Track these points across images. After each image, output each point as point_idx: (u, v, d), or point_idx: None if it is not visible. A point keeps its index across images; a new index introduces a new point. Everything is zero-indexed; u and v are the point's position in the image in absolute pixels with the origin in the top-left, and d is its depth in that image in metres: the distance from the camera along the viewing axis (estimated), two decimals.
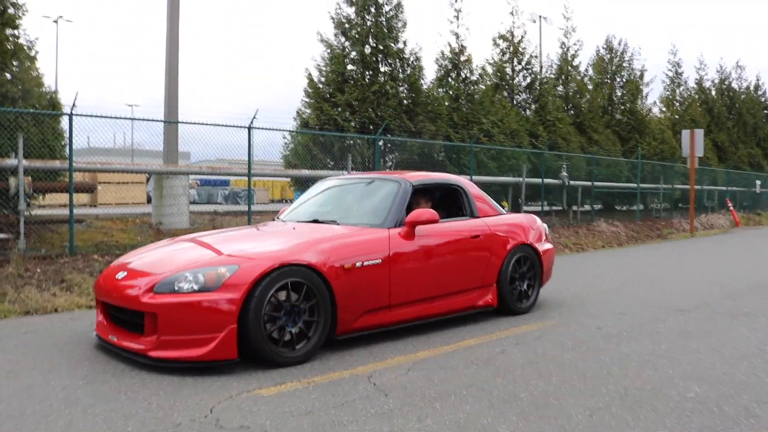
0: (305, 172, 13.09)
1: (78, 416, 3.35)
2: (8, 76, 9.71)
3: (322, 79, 15.97)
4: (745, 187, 29.84)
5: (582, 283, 8.57)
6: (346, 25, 16.07)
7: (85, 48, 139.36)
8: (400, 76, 16.38)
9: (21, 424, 3.24)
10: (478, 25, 53.82)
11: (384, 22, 16.18)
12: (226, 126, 10.89)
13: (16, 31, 9.88)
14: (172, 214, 12.11)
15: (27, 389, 3.80)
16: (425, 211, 5.31)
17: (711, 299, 7.18)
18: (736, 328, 5.64)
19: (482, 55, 41.86)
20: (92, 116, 9.39)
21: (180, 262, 4.52)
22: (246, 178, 11.68)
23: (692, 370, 4.30)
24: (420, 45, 22.83)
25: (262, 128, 11.58)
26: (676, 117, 29.24)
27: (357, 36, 15.94)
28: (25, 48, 9.97)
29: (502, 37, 20.81)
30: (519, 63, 20.67)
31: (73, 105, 9.01)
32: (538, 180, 17.01)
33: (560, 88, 22.45)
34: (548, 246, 6.84)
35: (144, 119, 10.41)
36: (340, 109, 15.18)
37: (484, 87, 19.12)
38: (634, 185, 21.32)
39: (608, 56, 25.43)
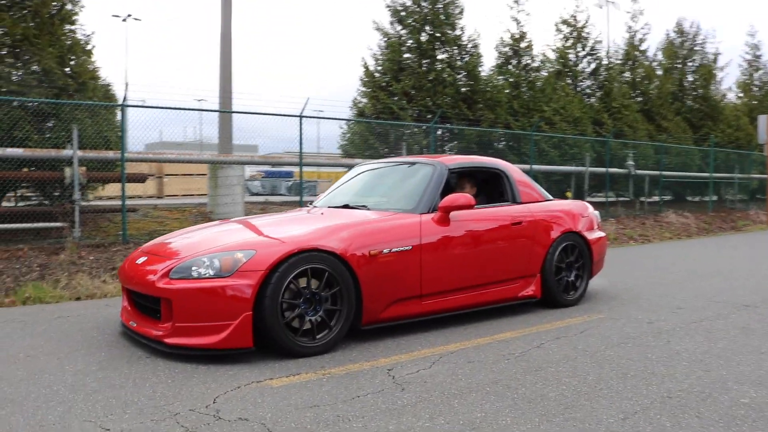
0: (358, 161, 12.92)
1: (78, 403, 3.25)
2: (67, 70, 9.98)
3: (379, 68, 15.75)
4: None
5: (640, 275, 8.01)
6: (402, 13, 15.79)
7: (159, 45, 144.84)
8: (458, 63, 15.96)
9: (20, 409, 3.17)
10: (540, 10, 52.04)
11: (441, 9, 15.80)
12: (276, 115, 10.88)
13: (73, 27, 10.16)
14: (226, 204, 12.19)
15: (39, 373, 3.76)
16: (460, 196, 5.01)
17: None
18: None
19: (543, 41, 40.60)
20: (141, 107, 9.57)
21: (201, 247, 4.40)
22: (298, 169, 11.67)
23: (750, 372, 3.83)
24: (478, 32, 22.13)
25: (312, 117, 11.61)
26: (754, 102, 27.31)
27: (413, 23, 15.63)
28: (82, 43, 10.23)
29: (564, 21, 19.99)
30: (583, 48, 19.81)
31: (125, 98, 9.17)
32: (602, 169, 16.30)
33: (627, 74, 21.39)
34: (600, 234, 6.39)
35: (193, 109, 10.45)
36: (396, 97, 14.93)
37: (545, 74, 18.46)
38: (706, 174, 20.11)
39: (679, 40, 24.04)
